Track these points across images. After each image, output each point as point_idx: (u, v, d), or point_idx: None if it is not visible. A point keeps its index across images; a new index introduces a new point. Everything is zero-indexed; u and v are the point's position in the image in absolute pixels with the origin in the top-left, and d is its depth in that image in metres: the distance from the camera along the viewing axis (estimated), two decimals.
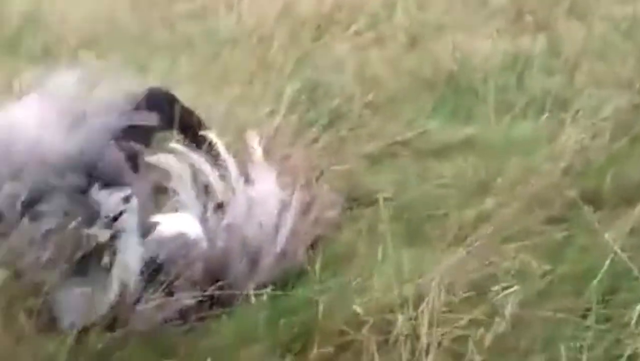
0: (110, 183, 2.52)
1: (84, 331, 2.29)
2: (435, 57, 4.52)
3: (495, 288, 2.19)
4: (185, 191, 2.78)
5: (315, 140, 3.61)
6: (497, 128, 3.76)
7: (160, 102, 3.24)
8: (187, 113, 3.31)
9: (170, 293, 2.44)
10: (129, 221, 2.48)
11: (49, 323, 2.35)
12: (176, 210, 2.75)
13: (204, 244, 2.59)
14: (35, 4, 5.39)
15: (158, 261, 2.49)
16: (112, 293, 2.41)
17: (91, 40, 5.12)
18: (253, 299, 2.42)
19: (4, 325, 2.31)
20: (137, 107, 3.24)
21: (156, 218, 2.65)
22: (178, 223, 2.64)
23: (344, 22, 5.11)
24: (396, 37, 4.85)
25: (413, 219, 2.95)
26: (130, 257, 2.47)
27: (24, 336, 2.30)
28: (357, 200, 3.15)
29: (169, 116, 3.17)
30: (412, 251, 2.61)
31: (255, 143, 2.97)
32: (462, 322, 2.09)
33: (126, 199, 2.47)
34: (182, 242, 2.55)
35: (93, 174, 2.53)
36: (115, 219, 2.44)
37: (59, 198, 2.46)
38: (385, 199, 3.13)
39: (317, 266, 2.41)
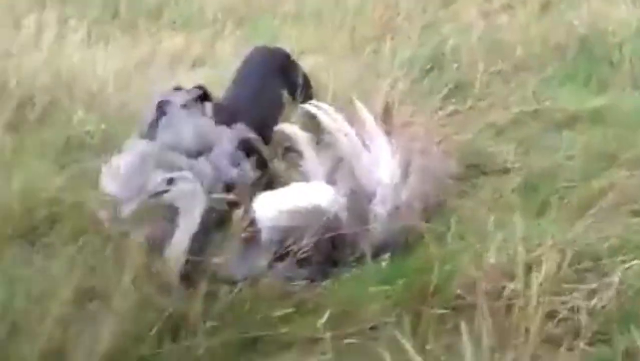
0: None
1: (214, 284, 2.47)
2: (568, 23, 4.38)
3: (617, 259, 2.17)
4: (311, 157, 2.90)
5: (440, 108, 3.64)
6: (631, 99, 3.63)
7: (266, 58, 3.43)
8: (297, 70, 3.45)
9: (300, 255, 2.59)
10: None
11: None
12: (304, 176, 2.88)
13: (333, 211, 2.69)
14: None
15: (292, 229, 2.63)
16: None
17: (228, 11, 5.35)
18: (374, 260, 2.50)
19: (148, 275, 2.55)
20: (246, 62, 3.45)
21: (292, 186, 2.78)
22: (311, 192, 2.76)
23: None
24: (526, 2, 4.73)
25: (538, 189, 2.93)
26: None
27: (164, 285, 2.53)
28: (480, 169, 3.16)
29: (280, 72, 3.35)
30: (535, 220, 2.60)
31: (365, 112, 3.02)
32: (576, 293, 2.09)
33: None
34: (315, 213, 2.65)
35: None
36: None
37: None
38: (510, 169, 3.16)
39: (437, 231, 2.46)
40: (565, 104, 3.63)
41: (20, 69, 3.93)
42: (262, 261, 2.60)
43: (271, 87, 3.33)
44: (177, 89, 3.18)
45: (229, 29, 4.96)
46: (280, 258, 2.59)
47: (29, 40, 4.43)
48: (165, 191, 2.62)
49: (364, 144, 2.90)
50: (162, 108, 3.01)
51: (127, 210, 2.62)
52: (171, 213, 2.64)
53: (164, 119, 2.95)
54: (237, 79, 3.43)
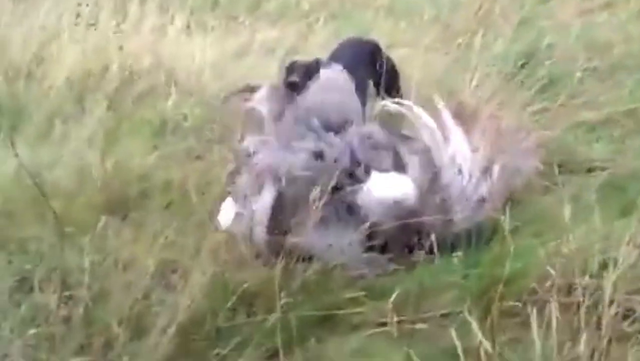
0: None
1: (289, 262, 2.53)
2: None
3: None
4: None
5: (530, 104, 3.58)
6: None
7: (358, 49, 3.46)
8: (388, 62, 3.47)
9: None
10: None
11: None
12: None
13: (413, 202, 2.70)
14: None
15: (374, 221, 2.66)
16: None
17: (323, 4, 5.43)
18: (450, 251, 2.51)
19: (230, 251, 2.64)
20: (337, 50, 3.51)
21: (375, 177, 2.80)
22: (393, 184, 2.77)
23: None
24: (629, 1, 4.56)
25: (624, 189, 2.84)
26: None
27: (246, 263, 2.62)
28: (566, 166, 3.09)
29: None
30: (617, 220, 2.52)
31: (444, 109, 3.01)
32: None
33: None
34: (396, 205, 2.68)
35: None
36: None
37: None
38: (597, 168, 3.08)
39: (514, 225, 2.43)
40: None
41: (122, 53, 4.14)
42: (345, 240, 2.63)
43: (359, 76, 3.36)
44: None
45: (322, 22, 5.05)
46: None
47: (132, 27, 4.65)
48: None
49: (445, 138, 2.89)
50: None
51: None
52: None
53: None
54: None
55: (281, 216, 2.65)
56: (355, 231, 2.62)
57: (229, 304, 2.41)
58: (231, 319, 2.40)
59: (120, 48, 4.18)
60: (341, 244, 2.62)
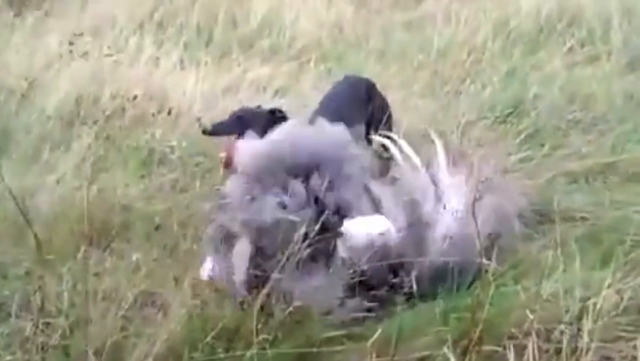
0: None
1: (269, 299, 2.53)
2: None
3: None
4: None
5: (514, 152, 3.64)
6: None
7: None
8: (382, 100, 3.53)
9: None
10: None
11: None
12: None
13: (393, 243, 2.71)
14: (273, 8, 5.86)
15: (356, 264, 2.66)
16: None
17: (316, 44, 5.51)
18: (430, 292, 2.52)
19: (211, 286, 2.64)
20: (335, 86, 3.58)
21: (354, 221, 2.80)
22: (370, 223, 2.78)
23: (559, 37, 5.03)
24: (612, 55, 4.68)
25: (604, 240, 2.87)
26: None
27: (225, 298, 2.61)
28: (548, 215, 3.12)
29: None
30: (597, 270, 2.55)
31: (439, 147, 3.05)
32: (632, 342, 2.04)
33: None
34: (374, 244, 2.69)
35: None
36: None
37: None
38: (578, 219, 3.12)
39: (497, 270, 2.45)
40: None
41: (115, 83, 4.17)
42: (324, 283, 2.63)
43: (355, 112, 3.41)
44: (258, 107, 3.33)
45: (314, 62, 5.12)
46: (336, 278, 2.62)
47: (126, 58, 4.69)
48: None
49: (433, 180, 2.93)
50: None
51: None
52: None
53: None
54: (325, 101, 3.55)
55: (259, 261, 2.65)
56: (334, 273, 2.63)
57: (208, 339, 2.40)
58: (209, 354, 2.38)
59: (113, 77, 4.21)
60: (321, 287, 2.62)
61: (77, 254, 2.74)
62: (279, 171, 2.79)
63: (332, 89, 3.62)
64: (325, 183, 2.79)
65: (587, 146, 3.72)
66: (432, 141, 3.10)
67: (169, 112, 3.81)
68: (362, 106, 3.50)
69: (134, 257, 2.70)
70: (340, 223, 2.72)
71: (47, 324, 2.39)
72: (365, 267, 2.60)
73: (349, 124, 3.18)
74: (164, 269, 2.71)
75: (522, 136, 3.81)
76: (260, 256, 2.66)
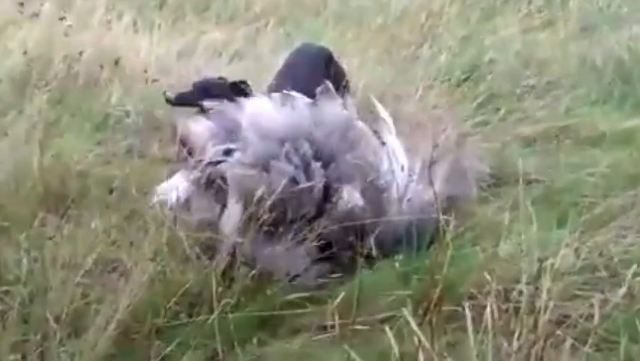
0: None
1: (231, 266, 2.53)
2: (607, 45, 4.38)
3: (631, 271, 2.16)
4: None
5: (471, 117, 3.68)
6: None
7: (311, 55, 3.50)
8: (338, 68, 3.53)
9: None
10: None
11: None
12: None
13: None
14: None
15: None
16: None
17: (273, 8, 5.44)
18: (391, 253, 2.56)
19: (172, 251, 2.62)
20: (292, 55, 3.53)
21: None
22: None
23: (516, 3, 5.07)
24: (568, 22, 4.74)
25: (559, 202, 2.94)
26: None
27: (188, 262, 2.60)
28: (503, 178, 3.18)
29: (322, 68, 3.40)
30: (552, 231, 2.61)
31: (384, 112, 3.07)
32: (581, 301, 2.12)
33: None
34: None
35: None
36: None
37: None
38: (533, 181, 3.18)
39: (455, 231, 2.49)
40: (596, 123, 3.63)
41: (67, 46, 4.05)
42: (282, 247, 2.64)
43: (314, 82, 3.40)
44: (221, 79, 3.27)
45: (271, 26, 5.06)
46: (300, 242, 2.63)
47: (77, 20, 4.56)
48: (220, 162, 2.68)
49: (383, 142, 2.95)
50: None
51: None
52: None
53: None
54: (283, 71, 3.51)
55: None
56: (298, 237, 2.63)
57: (170, 304, 2.40)
58: (172, 319, 2.38)
59: (65, 39, 4.10)
60: (285, 252, 2.63)
61: (33, 221, 2.70)
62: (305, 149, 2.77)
63: (290, 59, 3.58)
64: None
65: (541, 110, 3.79)
66: (381, 107, 3.11)
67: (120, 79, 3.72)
68: (320, 75, 3.49)
69: (93, 223, 2.67)
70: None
71: (6, 292, 2.35)
72: (327, 230, 2.62)
73: (309, 94, 3.18)
74: (123, 235, 2.68)
75: (479, 100, 3.85)
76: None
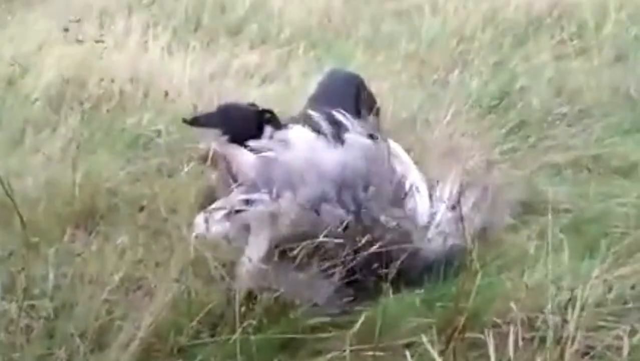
0: None
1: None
2: None
3: None
4: None
5: (500, 143, 3.66)
6: None
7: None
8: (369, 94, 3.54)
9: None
10: None
11: None
12: None
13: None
14: None
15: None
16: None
17: (304, 32, 5.50)
18: (417, 281, 2.55)
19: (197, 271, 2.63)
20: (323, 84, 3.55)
21: None
22: None
23: (549, 30, 5.05)
24: (602, 49, 4.70)
25: (587, 232, 2.90)
26: None
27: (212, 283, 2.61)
28: (532, 206, 3.14)
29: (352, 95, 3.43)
30: (580, 261, 2.58)
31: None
32: (615, 331, 2.07)
33: None
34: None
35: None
36: None
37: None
38: (562, 210, 3.15)
39: (481, 259, 2.47)
40: (628, 153, 3.58)
41: (102, 67, 4.15)
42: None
43: (347, 109, 3.42)
44: (252, 105, 3.28)
45: (302, 50, 5.11)
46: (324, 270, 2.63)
47: (114, 42, 4.66)
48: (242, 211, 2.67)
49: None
50: None
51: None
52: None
53: None
54: (316, 97, 3.54)
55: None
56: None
57: (193, 323, 2.41)
58: (194, 338, 2.39)
59: (100, 60, 4.19)
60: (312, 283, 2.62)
61: (62, 237, 2.75)
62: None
63: (321, 85, 3.61)
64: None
65: (572, 138, 3.75)
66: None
67: (166, 94, 3.77)
68: (351, 102, 3.51)
69: (120, 240, 2.70)
70: None
71: (32, 306, 2.38)
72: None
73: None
74: (149, 253, 2.71)
75: (508, 127, 3.82)
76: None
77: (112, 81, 3.95)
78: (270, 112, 3.20)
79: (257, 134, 3.08)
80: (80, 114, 3.54)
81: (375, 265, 2.60)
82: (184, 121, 3.20)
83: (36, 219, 2.85)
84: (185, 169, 3.37)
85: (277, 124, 3.15)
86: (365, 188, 2.73)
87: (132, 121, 3.78)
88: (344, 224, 2.62)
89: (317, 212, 2.66)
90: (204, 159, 3.05)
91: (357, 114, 3.44)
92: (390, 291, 2.54)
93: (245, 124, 3.12)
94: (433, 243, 2.69)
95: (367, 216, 2.68)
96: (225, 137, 3.07)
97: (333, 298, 2.62)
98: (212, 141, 3.06)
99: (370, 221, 2.67)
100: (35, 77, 4.08)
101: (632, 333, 2.08)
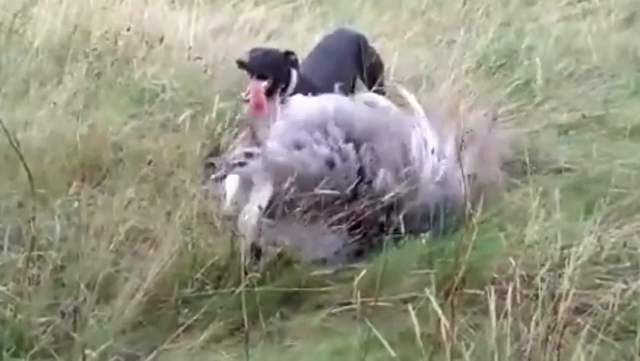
0: None
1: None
2: None
3: None
4: None
5: (504, 102, 3.66)
6: None
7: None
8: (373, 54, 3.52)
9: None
10: None
11: None
12: None
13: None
14: None
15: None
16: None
17: None
18: (417, 234, 2.59)
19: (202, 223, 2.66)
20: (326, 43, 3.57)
21: None
22: None
23: None
24: (610, 11, 4.66)
25: (589, 192, 2.92)
26: None
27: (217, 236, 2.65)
28: (536, 166, 3.16)
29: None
30: (579, 220, 2.60)
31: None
32: (609, 289, 2.11)
33: None
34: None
35: None
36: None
37: None
38: (565, 170, 3.17)
39: (481, 216, 2.49)
40: (633, 114, 3.57)
41: (105, 22, 4.12)
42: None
43: (347, 69, 3.42)
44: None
45: (308, 6, 5.07)
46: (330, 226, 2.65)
47: None
48: (243, 164, 2.69)
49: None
50: None
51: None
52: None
53: None
54: (317, 54, 3.54)
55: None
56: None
57: (197, 275, 2.45)
58: (199, 290, 2.44)
59: (103, 13, 4.17)
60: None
61: (68, 189, 2.77)
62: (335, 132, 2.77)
63: (325, 43, 3.61)
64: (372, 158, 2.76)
65: (577, 98, 3.74)
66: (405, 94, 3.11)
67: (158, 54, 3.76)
68: (355, 61, 3.51)
69: (127, 193, 2.73)
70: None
71: (39, 257, 2.42)
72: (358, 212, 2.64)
73: (341, 79, 3.19)
74: (155, 206, 2.74)
75: (513, 87, 3.82)
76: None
77: (118, 34, 3.92)
78: (293, 53, 3.26)
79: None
80: (84, 67, 3.53)
81: (380, 218, 2.64)
82: (240, 63, 3.19)
83: (42, 172, 2.87)
84: (189, 125, 3.40)
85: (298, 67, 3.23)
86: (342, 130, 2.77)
87: (136, 75, 3.77)
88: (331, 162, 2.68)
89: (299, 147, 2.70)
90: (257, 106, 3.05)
91: (359, 71, 3.46)
92: (392, 242, 2.58)
93: (279, 66, 3.17)
94: (433, 193, 2.71)
95: (350, 154, 2.71)
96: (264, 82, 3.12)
97: (339, 254, 2.66)
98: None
99: (371, 175, 2.69)
100: (37, 27, 4.05)
101: (625, 291, 2.11)
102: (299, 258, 2.59)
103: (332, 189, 2.65)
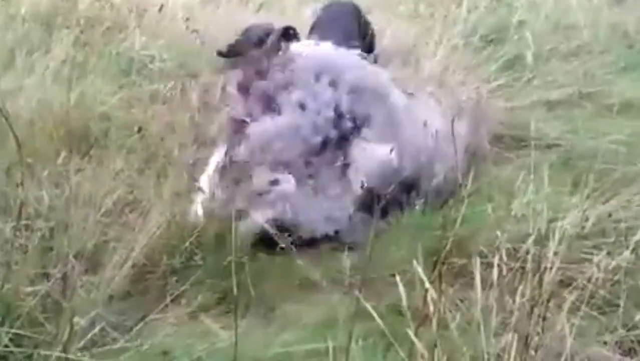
0: None
1: None
2: None
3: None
4: None
5: (495, 78, 3.66)
6: None
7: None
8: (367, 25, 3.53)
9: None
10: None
11: None
12: None
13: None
14: None
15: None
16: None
17: None
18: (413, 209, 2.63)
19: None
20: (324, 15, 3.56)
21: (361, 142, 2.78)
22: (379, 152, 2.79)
23: None
24: None
25: (576, 167, 2.94)
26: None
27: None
28: (523, 140, 3.17)
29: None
30: (566, 195, 2.62)
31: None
32: (587, 264, 2.14)
33: None
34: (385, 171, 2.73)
35: None
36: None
37: None
38: (553, 145, 3.18)
39: (469, 190, 2.50)
40: (622, 90, 3.59)
41: None
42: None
43: (352, 38, 3.41)
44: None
45: None
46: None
47: None
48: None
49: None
50: None
51: None
52: None
53: None
54: (317, 27, 3.52)
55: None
56: (348, 196, 2.66)
57: (186, 245, 2.45)
58: (187, 260, 2.44)
59: None
60: (333, 213, 2.65)
61: (56, 159, 2.75)
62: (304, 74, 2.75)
63: (322, 15, 3.60)
64: (346, 90, 2.75)
65: (567, 74, 3.75)
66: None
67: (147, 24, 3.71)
68: (353, 32, 3.50)
69: (116, 163, 2.72)
70: (357, 133, 2.71)
71: (27, 226, 2.41)
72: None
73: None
74: (143, 176, 2.73)
75: (502, 62, 3.82)
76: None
77: (107, 1, 3.88)
78: (293, 28, 3.19)
79: None
80: (72, 36, 3.49)
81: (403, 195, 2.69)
82: (219, 54, 3.14)
83: (29, 141, 2.85)
84: (177, 96, 3.38)
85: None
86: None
87: (125, 44, 3.74)
88: None
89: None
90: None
91: (361, 40, 3.46)
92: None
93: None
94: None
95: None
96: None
97: (352, 224, 2.67)
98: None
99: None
100: None
101: (609, 264, 2.13)
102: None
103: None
